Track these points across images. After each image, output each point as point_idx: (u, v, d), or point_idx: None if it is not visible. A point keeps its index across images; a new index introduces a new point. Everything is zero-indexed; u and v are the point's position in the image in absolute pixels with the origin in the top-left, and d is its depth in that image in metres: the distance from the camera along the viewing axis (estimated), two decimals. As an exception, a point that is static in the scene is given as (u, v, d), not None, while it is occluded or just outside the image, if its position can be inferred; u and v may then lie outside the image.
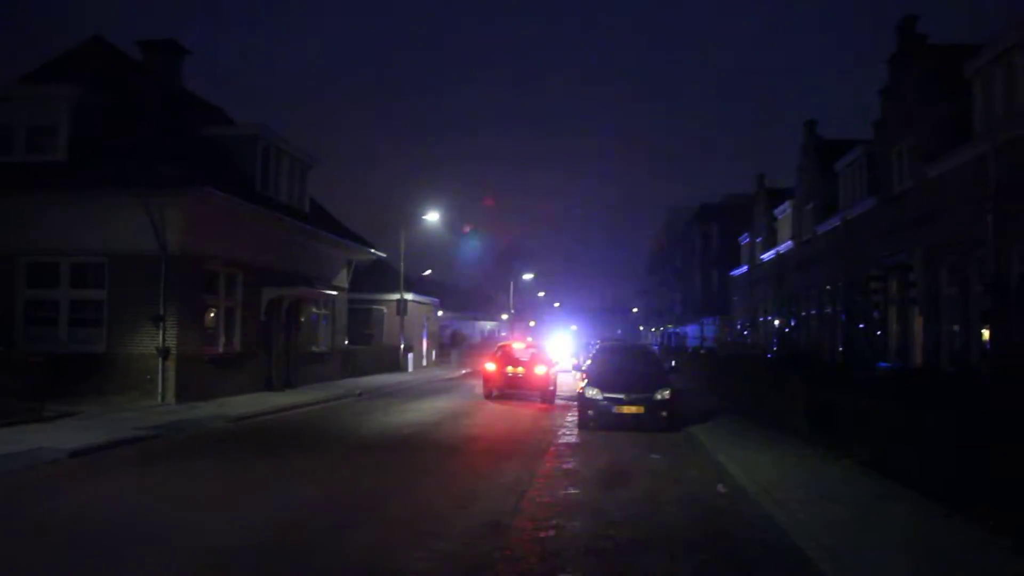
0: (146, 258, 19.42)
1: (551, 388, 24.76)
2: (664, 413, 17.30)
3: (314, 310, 28.62)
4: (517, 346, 27.25)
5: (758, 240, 42.90)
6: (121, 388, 19.27)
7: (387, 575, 7.08)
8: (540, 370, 24.81)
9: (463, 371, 42.72)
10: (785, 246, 36.20)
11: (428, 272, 52.35)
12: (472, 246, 69.48)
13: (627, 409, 17.28)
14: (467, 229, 45.58)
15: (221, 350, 22.00)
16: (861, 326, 25.71)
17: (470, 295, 72.55)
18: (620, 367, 19.33)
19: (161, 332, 19.33)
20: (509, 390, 24.82)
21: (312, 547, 7.72)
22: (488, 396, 25.21)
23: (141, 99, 22.47)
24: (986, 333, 17.71)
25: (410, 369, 40.13)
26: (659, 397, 17.35)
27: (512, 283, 72.25)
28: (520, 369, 24.94)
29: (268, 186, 24.38)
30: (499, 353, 26.25)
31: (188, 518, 8.87)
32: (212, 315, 21.77)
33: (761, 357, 29.18)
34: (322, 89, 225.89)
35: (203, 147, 23.02)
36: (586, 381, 18.27)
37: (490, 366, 25.56)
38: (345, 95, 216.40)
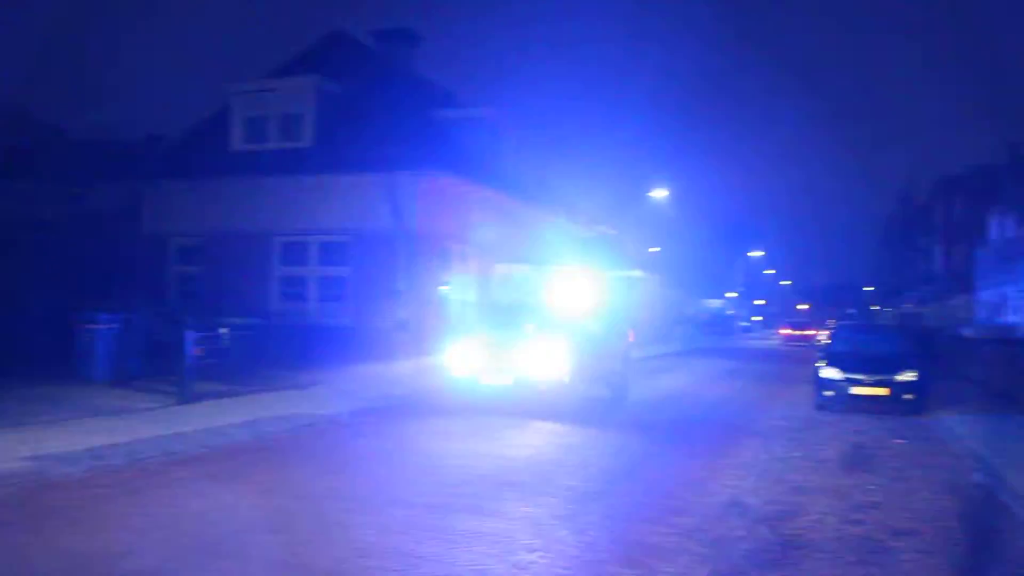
0: (385, 236, 20.42)
1: (815, 340, 44.07)
2: (909, 396, 16.14)
3: (544, 286, 28.84)
4: (799, 320, 60.59)
5: (1009, 213, 39.24)
6: (364, 358, 20.32)
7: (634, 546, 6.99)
8: (808, 332, 52.27)
9: (690, 348, 41.65)
10: (1045, 218, 32.85)
11: (656, 249, 51.63)
12: (695, 222, 67.81)
13: (868, 391, 16.27)
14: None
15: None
16: None
17: (696, 272, 71.09)
18: (860, 346, 18.31)
19: (400, 305, 20.20)
20: (793, 342, 51.32)
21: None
22: (785, 343, 51.75)
23: (378, 86, 23.57)
24: None
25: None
26: (903, 379, 16.21)
27: (742, 261, 70.35)
28: (799, 332, 53.64)
29: (497, 165, 24.83)
30: (787, 322, 58.82)
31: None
32: (447, 290, 22.47)
33: (1017, 339, 26.63)
34: (557, 68, 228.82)
35: (436, 128, 23.81)
36: (824, 361, 17.30)
37: (785, 330, 55.32)
38: (580, 76, 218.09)
